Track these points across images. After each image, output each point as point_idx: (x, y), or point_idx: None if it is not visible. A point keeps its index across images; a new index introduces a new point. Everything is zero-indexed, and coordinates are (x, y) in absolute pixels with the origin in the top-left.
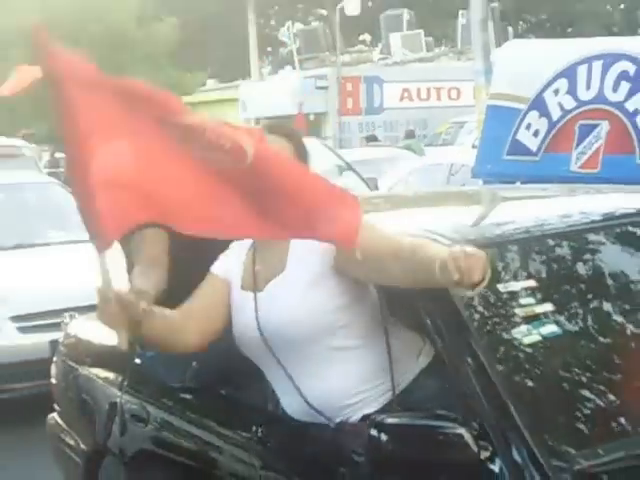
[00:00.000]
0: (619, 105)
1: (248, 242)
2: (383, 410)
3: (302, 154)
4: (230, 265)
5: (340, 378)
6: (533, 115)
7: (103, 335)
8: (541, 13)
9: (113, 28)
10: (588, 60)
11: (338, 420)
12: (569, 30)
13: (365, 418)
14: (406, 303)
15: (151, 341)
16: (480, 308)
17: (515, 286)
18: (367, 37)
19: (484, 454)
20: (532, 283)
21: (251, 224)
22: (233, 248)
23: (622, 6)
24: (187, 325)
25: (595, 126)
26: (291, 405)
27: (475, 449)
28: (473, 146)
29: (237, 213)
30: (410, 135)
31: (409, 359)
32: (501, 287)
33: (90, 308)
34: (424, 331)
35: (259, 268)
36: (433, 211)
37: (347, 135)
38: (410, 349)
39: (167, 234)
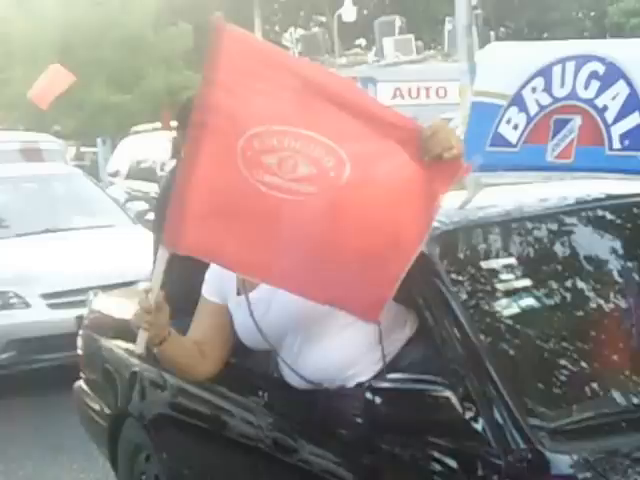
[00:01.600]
0: (590, 102)
1: None
2: (376, 377)
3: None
4: (220, 280)
5: (340, 353)
6: (513, 110)
7: (124, 310)
8: (520, 20)
9: (132, 33)
10: (562, 61)
11: (336, 387)
12: (545, 35)
13: (360, 385)
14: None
15: (164, 362)
16: (465, 284)
17: (497, 264)
18: (362, 41)
19: (468, 414)
20: (512, 261)
21: (296, 279)
22: None
23: (592, 14)
24: (201, 360)
25: (569, 120)
26: (292, 379)
27: (460, 410)
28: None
29: (285, 264)
30: None
31: (397, 330)
32: (484, 265)
33: (112, 286)
34: (411, 305)
35: None
36: None
37: None
38: (397, 320)
39: None
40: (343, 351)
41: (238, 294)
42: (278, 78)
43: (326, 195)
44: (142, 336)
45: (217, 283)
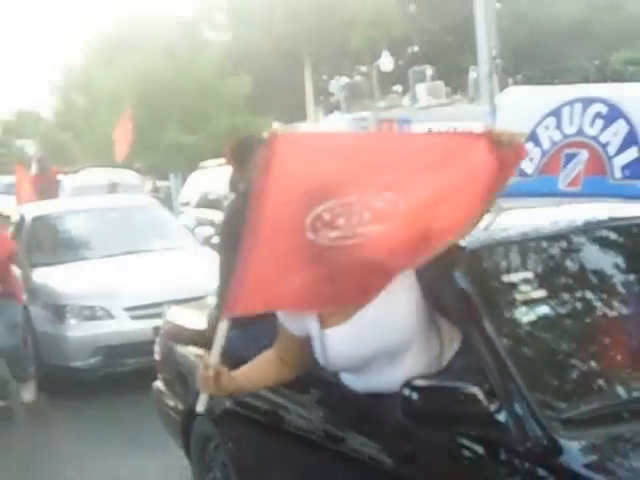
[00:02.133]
0: (595, 138)
1: None
2: None
3: None
4: (294, 319)
5: (409, 368)
6: (529, 145)
7: (193, 321)
8: (534, 68)
9: (200, 82)
10: (570, 102)
11: None
12: (556, 80)
13: None
14: (437, 299)
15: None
16: (489, 296)
17: (516, 277)
18: (399, 87)
19: (493, 407)
20: (529, 275)
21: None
22: None
23: (596, 62)
24: (281, 368)
25: (577, 154)
26: (356, 387)
27: (486, 404)
28: None
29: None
30: None
31: (447, 347)
32: (505, 278)
33: (183, 300)
34: (449, 316)
35: None
36: None
37: None
38: (447, 338)
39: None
40: (410, 374)
41: (321, 327)
42: (333, 157)
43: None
44: (203, 397)
45: (292, 318)
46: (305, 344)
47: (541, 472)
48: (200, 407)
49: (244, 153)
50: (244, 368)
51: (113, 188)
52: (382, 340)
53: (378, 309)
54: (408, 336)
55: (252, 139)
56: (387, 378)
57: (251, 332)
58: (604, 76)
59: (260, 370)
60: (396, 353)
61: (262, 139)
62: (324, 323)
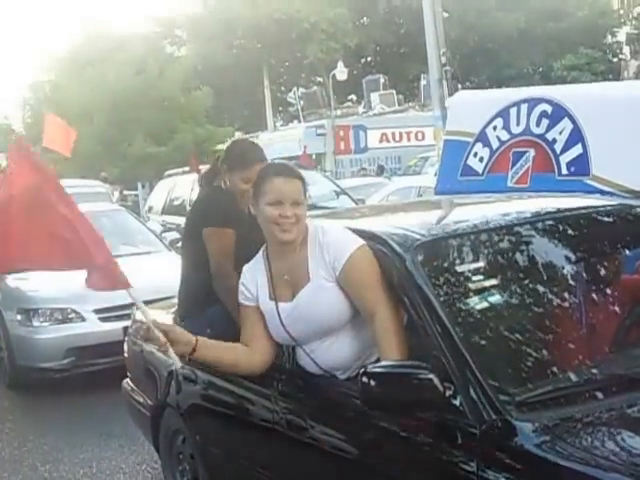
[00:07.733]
0: (541, 136)
1: (259, 263)
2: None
3: (305, 189)
4: (252, 289)
5: (350, 349)
6: (478, 146)
7: (160, 320)
8: (482, 75)
9: (165, 95)
10: (517, 103)
11: (345, 376)
12: (502, 87)
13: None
14: (388, 287)
15: (214, 367)
16: (443, 285)
17: (468, 268)
18: (353, 96)
19: (448, 392)
20: (481, 265)
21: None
22: (245, 272)
23: (540, 69)
24: (250, 353)
25: (524, 152)
26: (311, 368)
27: (442, 389)
28: (435, 174)
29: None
30: (380, 171)
31: None
32: (458, 269)
33: (151, 301)
34: (402, 306)
35: (287, 278)
36: (407, 215)
37: (341, 169)
38: None
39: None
40: (353, 347)
41: (270, 299)
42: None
43: None
44: (171, 353)
45: (248, 289)
46: (260, 319)
47: (497, 453)
48: (177, 362)
49: (241, 156)
50: (212, 341)
51: (86, 196)
52: (319, 316)
53: (316, 291)
54: (343, 316)
55: (248, 144)
56: (336, 353)
57: (208, 316)
58: (548, 82)
59: (223, 348)
60: (335, 329)
61: (255, 145)
62: (277, 299)
